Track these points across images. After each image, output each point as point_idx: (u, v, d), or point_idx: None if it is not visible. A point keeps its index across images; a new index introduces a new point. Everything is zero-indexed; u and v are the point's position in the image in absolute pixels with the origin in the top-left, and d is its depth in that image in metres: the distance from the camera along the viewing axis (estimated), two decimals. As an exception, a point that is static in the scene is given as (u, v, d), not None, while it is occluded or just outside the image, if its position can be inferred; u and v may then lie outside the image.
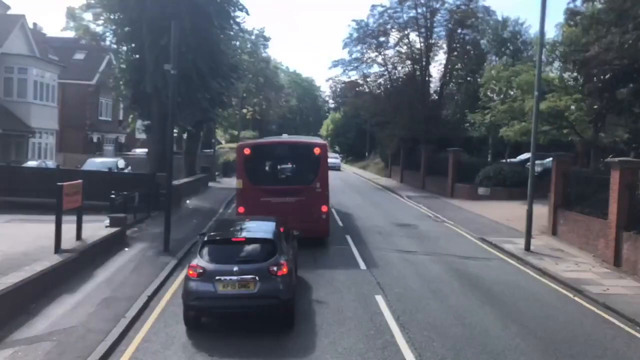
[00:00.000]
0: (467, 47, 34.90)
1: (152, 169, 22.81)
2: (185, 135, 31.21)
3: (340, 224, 20.04)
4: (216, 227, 10.63)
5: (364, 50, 38.85)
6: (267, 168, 16.91)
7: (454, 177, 30.03)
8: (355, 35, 38.44)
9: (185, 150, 32.22)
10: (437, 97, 37.99)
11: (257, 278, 8.52)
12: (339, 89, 46.79)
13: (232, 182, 37.19)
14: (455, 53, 36.78)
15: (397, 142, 38.92)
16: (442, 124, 37.55)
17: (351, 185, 37.50)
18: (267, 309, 8.69)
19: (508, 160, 33.83)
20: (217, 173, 41.13)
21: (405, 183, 38.40)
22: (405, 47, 37.67)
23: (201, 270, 8.62)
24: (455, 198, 29.21)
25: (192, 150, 31.43)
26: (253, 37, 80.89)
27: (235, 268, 8.56)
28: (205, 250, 8.98)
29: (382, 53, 38.97)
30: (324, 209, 15.85)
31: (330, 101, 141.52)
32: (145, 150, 31.52)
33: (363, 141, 63.07)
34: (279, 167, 16.95)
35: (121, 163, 28.53)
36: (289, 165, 17.01)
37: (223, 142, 73.23)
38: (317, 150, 16.29)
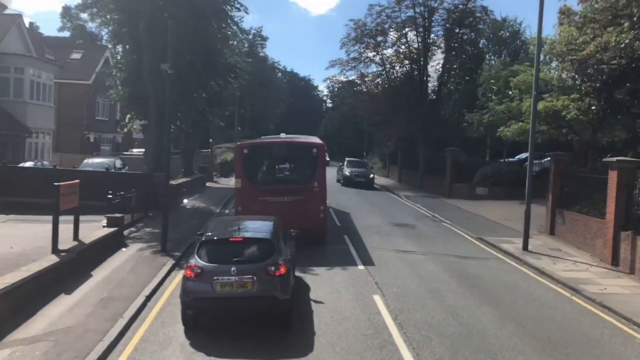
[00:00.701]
0: (465, 47, 34.94)
1: (149, 169, 22.75)
2: (182, 135, 31.16)
3: (338, 223, 20.04)
4: (214, 227, 10.51)
5: (362, 50, 38.91)
6: (265, 168, 16.99)
7: (452, 176, 30.07)
8: (353, 35, 38.47)
9: (182, 150, 32.16)
10: (435, 97, 38.00)
11: (254, 278, 8.51)
12: (336, 89, 46.74)
13: (229, 182, 37.17)
14: (453, 52, 36.80)
15: (395, 141, 38.94)
16: (440, 124, 37.53)
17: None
18: (265, 309, 8.68)
19: (506, 160, 33.86)
20: (214, 173, 41.14)
21: (403, 183, 38.43)
22: (403, 46, 37.71)
23: (199, 270, 8.60)
24: (454, 198, 29.24)
25: (190, 150, 31.39)
26: (250, 36, 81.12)
27: (233, 268, 8.53)
28: (203, 250, 8.94)
29: (380, 52, 39.00)
30: (322, 207, 16.07)
31: (328, 101, 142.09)
32: (143, 150, 31.47)
33: (361, 141, 63.05)
34: (277, 166, 16.92)
35: (118, 163, 28.45)
36: (287, 165, 16.93)
37: (221, 141, 73.31)
38: (315, 150, 16.60)
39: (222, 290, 8.49)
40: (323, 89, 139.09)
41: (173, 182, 22.88)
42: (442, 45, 37.33)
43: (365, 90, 40.17)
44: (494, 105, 26.25)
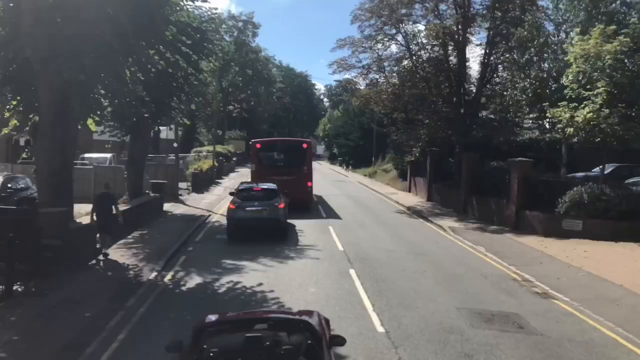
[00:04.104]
0: (522, 16, 25.07)
1: (40, 196, 13.32)
2: (128, 138, 21.64)
3: (373, 315, 10.42)
4: (243, 185, 19.84)
5: (380, 25, 29.25)
6: (271, 157, 25.92)
7: (521, 200, 20.57)
8: (368, 4, 28.87)
9: (128, 159, 22.59)
10: (476, 88, 28.40)
11: (267, 209, 16.88)
12: (343, 81, 36.95)
13: (204, 200, 27.78)
14: (503, 26, 26.90)
15: (424, 146, 29.52)
16: (485, 124, 28.22)
17: (363, 205, 27.97)
18: (273, 225, 16.82)
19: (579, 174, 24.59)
20: (186, 187, 31.61)
21: (435, 202, 28.84)
22: (436, 19, 28.08)
23: (237, 204, 16.95)
24: (525, 232, 19.79)
25: (138, 159, 21.69)
26: (240, 23, 71.44)
27: (256, 203, 17.06)
28: (240, 194, 17.78)
29: (403, 29, 29.43)
30: (309, 183, 24.94)
31: (325, 100, 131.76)
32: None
33: (369, 143, 53.53)
34: (279, 156, 25.86)
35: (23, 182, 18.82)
36: (287, 155, 25.61)
37: (206, 143, 63.65)
38: (304, 145, 26.57)
39: (251, 215, 16.69)
40: (322, 86, 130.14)
41: (80, 223, 13.50)
42: (488, 16, 27.55)
43: (383, 79, 30.44)
44: (598, 93, 16.85)
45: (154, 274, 12.45)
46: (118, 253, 14.15)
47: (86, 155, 33.19)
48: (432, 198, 29.54)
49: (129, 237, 16.39)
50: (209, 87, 39.32)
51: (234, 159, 56.22)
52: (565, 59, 19.37)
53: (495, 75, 27.99)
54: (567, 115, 18.28)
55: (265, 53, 77.84)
